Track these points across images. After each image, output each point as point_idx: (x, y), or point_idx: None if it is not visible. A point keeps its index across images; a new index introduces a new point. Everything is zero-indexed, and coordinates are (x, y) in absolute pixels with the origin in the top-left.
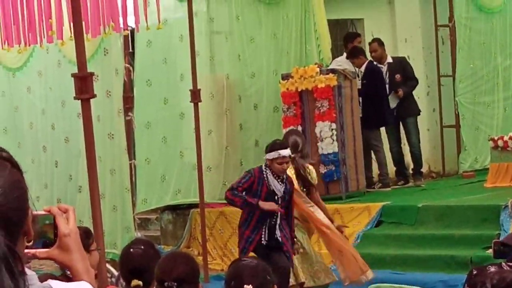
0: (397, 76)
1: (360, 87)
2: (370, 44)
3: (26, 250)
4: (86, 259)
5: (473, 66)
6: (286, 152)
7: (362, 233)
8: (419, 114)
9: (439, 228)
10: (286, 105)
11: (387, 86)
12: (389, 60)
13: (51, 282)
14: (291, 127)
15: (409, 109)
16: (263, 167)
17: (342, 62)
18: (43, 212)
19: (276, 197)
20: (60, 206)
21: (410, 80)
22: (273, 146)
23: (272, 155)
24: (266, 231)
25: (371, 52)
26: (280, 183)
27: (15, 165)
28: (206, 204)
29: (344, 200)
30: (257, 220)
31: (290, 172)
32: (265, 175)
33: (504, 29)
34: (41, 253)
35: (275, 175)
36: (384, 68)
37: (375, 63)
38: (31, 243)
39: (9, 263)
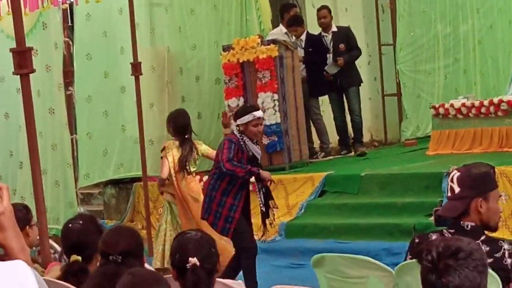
0: (341, 46)
1: (303, 55)
2: (319, 10)
3: None
4: (21, 237)
5: (414, 34)
6: (260, 113)
7: (305, 203)
8: (360, 84)
9: (382, 196)
10: (228, 76)
11: (330, 55)
12: (334, 29)
13: None
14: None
15: (351, 78)
16: (238, 134)
17: (278, 35)
18: None
19: (257, 161)
20: None
21: (354, 50)
22: (245, 110)
23: (247, 118)
24: (262, 197)
25: (319, 18)
26: (257, 146)
27: None
28: (149, 177)
29: (288, 171)
30: (238, 188)
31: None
32: (242, 142)
33: None
34: None
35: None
36: (329, 37)
37: (314, 33)
38: None
39: None
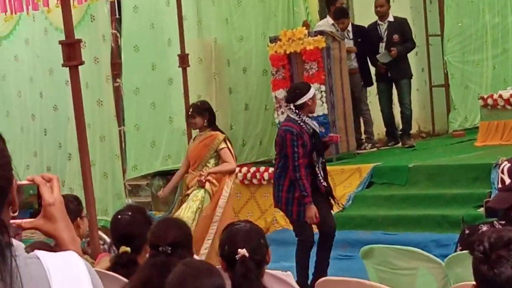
0: (395, 36)
1: (352, 45)
2: None
3: (11, 221)
4: (71, 228)
5: (461, 24)
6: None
7: (353, 194)
8: (411, 77)
9: (430, 188)
10: (275, 68)
11: (383, 44)
12: (390, 18)
13: (37, 252)
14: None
15: (403, 71)
16: (295, 117)
17: (325, 26)
18: (26, 182)
19: (318, 136)
20: (44, 175)
21: (408, 42)
22: (302, 89)
23: (308, 96)
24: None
25: (376, 7)
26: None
27: None
28: None
29: (335, 162)
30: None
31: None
32: (302, 123)
33: None
34: (26, 223)
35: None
36: (384, 26)
37: (361, 24)
38: (16, 213)
39: None
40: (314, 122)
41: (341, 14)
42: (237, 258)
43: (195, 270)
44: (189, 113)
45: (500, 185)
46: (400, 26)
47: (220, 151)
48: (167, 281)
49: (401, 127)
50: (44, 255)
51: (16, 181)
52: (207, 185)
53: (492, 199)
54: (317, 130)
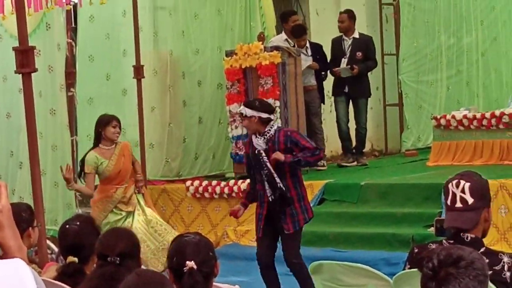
0: (358, 54)
1: (310, 62)
2: (340, 13)
3: None
4: (18, 236)
5: (417, 44)
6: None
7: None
8: (369, 96)
9: (382, 206)
10: (230, 82)
11: (345, 60)
12: (356, 35)
13: None
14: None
15: (362, 89)
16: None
17: (277, 42)
18: None
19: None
20: None
21: (370, 60)
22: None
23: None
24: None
25: (338, 21)
26: None
27: None
28: (149, 181)
29: None
30: None
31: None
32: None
33: (448, 7)
34: None
35: None
36: (348, 42)
37: (316, 41)
38: None
39: None
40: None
41: (302, 32)
42: (185, 270)
43: (148, 280)
44: (118, 123)
45: (460, 205)
46: (365, 44)
47: (135, 163)
48: None
49: (355, 145)
50: None
51: None
52: (142, 190)
53: (454, 219)
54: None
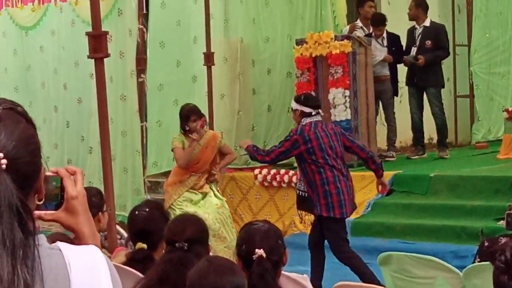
0: (428, 42)
1: (385, 53)
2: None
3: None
4: (92, 223)
5: (489, 36)
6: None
7: (373, 201)
8: (443, 87)
9: (451, 198)
10: (300, 70)
11: (415, 49)
12: (426, 24)
13: (59, 244)
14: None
15: (430, 79)
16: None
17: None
18: (50, 174)
19: None
20: (68, 168)
21: (440, 49)
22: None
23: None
24: None
25: (408, 9)
26: None
27: (29, 121)
28: None
29: (355, 168)
30: None
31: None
32: None
33: None
34: (47, 215)
35: None
36: (419, 30)
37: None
38: (42, 201)
39: (22, 218)
40: None
41: (381, 22)
42: (254, 258)
43: (218, 267)
44: (196, 117)
45: None
46: (435, 32)
47: (223, 146)
48: (188, 275)
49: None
50: (66, 248)
51: (44, 169)
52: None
53: None
54: None
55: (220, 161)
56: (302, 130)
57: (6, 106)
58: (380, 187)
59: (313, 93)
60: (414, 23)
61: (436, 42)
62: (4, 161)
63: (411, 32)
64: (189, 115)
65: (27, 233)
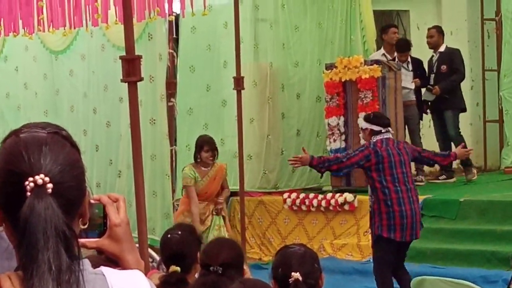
0: (443, 67)
1: (411, 78)
2: (429, 29)
3: None
4: (136, 250)
5: None
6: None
7: None
8: (462, 110)
9: (481, 223)
10: (329, 95)
11: (433, 76)
12: (442, 49)
13: (103, 269)
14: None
15: (447, 102)
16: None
17: (377, 56)
18: (93, 201)
19: None
20: (110, 195)
21: (455, 73)
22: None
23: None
24: None
25: (427, 37)
26: None
27: (74, 145)
28: (246, 192)
29: None
30: None
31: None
32: None
33: None
34: (90, 242)
35: None
36: (435, 57)
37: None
38: (86, 225)
39: (68, 243)
40: None
41: (406, 47)
42: (290, 282)
43: None
44: (210, 148)
45: None
46: (450, 56)
47: (225, 178)
48: None
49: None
50: (110, 272)
51: (89, 193)
52: (223, 212)
53: None
54: None
55: (222, 194)
56: (375, 145)
57: (51, 130)
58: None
59: (381, 112)
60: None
61: (451, 66)
62: (50, 185)
63: (430, 61)
64: (202, 145)
65: (72, 258)
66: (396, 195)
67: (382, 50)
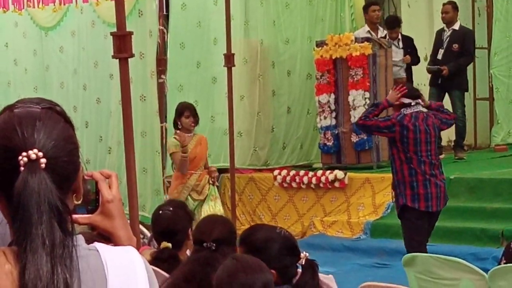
0: (455, 46)
1: (402, 56)
2: (444, 4)
3: None
4: (128, 226)
5: (509, 38)
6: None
7: (392, 203)
8: (466, 90)
9: (471, 200)
10: (320, 72)
11: (442, 51)
12: (456, 27)
13: (97, 245)
14: None
15: (455, 82)
16: None
17: (360, 35)
18: (85, 178)
19: None
20: (103, 171)
21: (465, 55)
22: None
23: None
24: None
25: (442, 13)
26: None
27: (68, 121)
28: (236, 169)
29: (375, 170)
30: None
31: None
32: None
33: None
34: (83, 218)
35: None
36: (447, 33)
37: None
38: (80, 201)
39: (61, 218)
40: None
41: (395, 24)
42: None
43: (246, 265)
44: (191, 113)
45: None
46: (463, 36)
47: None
48: (216, 275)
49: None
50: (103, 248)
51: (82, 169)
52: (217, 182)
53: None
54: None
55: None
56: (402, 118)
57: (45, 106)
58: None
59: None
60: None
61: (463, 46)
62: (43, 160)
63: (439, 34)
64: (183, 111)
65: (66, 233)
66: (419, 166)
67: (366, 28)
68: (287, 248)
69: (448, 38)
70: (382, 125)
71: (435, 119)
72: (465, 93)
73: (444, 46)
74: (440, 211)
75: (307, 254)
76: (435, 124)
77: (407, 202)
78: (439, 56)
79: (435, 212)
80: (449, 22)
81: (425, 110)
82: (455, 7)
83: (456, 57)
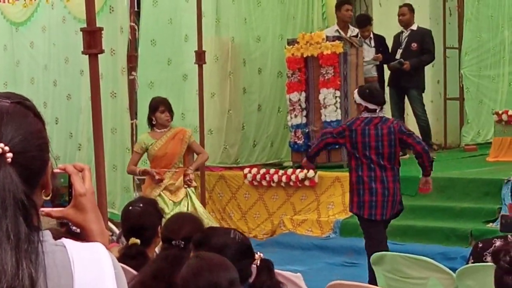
0: (414, 45)
1: (373, 54)
2: (400, 7)
3: (40, 209)
4: (101, 220)
5: (480, 38)
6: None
7: None
8: (423, 90)
9: (440, 200)
10: (291, 70)
11: (400, 51)
12: (413, 28)
13: (64, 241)
14: None
15: (413, 81)
16: None
17: (329, 33)
18: (58, 171)
19: None
20: (76, 165)
21: (426, 53)
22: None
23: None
24: None
25: (399, 15)
26: None
27: (37, 115)
28: (206, 167)
29: (345, 169)
30: None
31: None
32: None
33: None
34: (55, 212)
35: None
36: (406, 34)
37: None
38: (49, 197)
39: (27, 213)
40: None
41: (366, 22)
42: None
43: (211, 263)
44: (166, 108)
45: None
46: (421, 36)
47: (192, 143)
48: (180, 274)
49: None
50: (71, 245)
51: (51, 164)
52: (194, 183)
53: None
54: None
55: (194, 162)
56: (352, 123)
57: (15, 100)
58: (423, 185)
59: (377, 87)
60: (401, 28)
61: (422, 45)
62: (9, 154)
63: (397, 36)
64: (157, 106)
65: (31, 228)
66: (368, 171)
67: (335, 26)
68: (241, 252)
69: (406, 38)
70: (335, 131)
71: (394, 124)
72: (428, 92)
73: (403, 46)
74: (386, 220)
75: (261, 255)
76: (393, 128)
77: (353, 209)
78: (397, 56)
79: (379, 220)
80: (406, 24)
81: (388, 117)
82: (411, 9)
83: (415, 56)
